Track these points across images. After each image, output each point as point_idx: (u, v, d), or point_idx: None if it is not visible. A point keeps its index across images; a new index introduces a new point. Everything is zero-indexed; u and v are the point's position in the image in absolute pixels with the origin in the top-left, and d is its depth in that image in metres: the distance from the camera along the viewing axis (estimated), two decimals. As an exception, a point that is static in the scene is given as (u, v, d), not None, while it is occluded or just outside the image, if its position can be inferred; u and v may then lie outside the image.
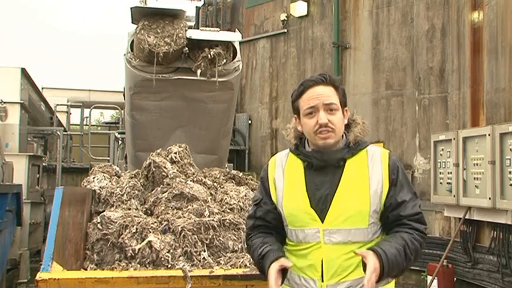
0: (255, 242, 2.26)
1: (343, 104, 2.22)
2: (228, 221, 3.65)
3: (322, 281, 2.10)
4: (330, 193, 2.12)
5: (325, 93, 2.17)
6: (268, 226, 2.30)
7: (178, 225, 3.52)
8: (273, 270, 2.08)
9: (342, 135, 2.22)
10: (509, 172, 5.69)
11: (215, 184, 4.23)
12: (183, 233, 3.49)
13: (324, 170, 2.17)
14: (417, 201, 2.19)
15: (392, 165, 2.17)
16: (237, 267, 3.35)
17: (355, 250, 2.05)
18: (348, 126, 2.25)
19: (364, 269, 2.01)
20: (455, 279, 6.87)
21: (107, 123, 19.21)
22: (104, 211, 3.72)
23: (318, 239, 2.11)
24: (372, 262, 1.96)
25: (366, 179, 2.14)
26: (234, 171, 4.62)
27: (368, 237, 2.13)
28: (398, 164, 2.20)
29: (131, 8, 4.54)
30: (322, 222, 2.11)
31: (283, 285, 2.19)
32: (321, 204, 2.12)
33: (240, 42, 5.20)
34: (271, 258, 2.12)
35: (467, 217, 6.54)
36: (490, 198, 5.91)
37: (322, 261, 2.10)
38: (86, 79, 63.63)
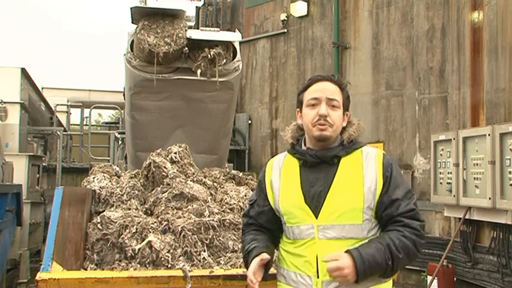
0: (246, 238, 2.36)
1: (346, 107, 2.27)
2: (228, 221, 3.65)
3: (318, 277, 2.12)
4: (324, 190, 2.16)
5: (330, 89, 2.24)
6: (260, 226, 2.39)
7: (178, 225, 3.52)
8: (254, 263, 2.17)
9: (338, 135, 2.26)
10: (509, 172, 5.69)
11: (215, 184, 4.24)
12: (183, 233, 3.49)
13: (318, 167, 2.21)
14: (412, 199, 2.18)
15: (387, 164, 2.20)
16: (237, 267, 3.35)
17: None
18: (343, 128, 2.29)
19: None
20: (455, 279, 6.87)
21: (106, 123, 19.19)
22: (104, 211, 3.72)
23: (313, 235, 2.14)
24: (340, 262, 2.00)
25: (360, 176, 2.17)
26: (234, 171, 4.62)
27: (363, 234, 2.14)
28: (392, 163, 2.22)
29: (131, 8, 4.54)
30: (316, 218, 2.14)
31: (280, 283, 2.27)
32: (315, 201, 2.16)
33: (240, 42, 5.21)
34: (254, 253, 2.20)
35: (467, 217, 6.54)
36: (490, 198, 5.91)
37: (317, 257, 2.12)
38: (86, 79, 63.69)
